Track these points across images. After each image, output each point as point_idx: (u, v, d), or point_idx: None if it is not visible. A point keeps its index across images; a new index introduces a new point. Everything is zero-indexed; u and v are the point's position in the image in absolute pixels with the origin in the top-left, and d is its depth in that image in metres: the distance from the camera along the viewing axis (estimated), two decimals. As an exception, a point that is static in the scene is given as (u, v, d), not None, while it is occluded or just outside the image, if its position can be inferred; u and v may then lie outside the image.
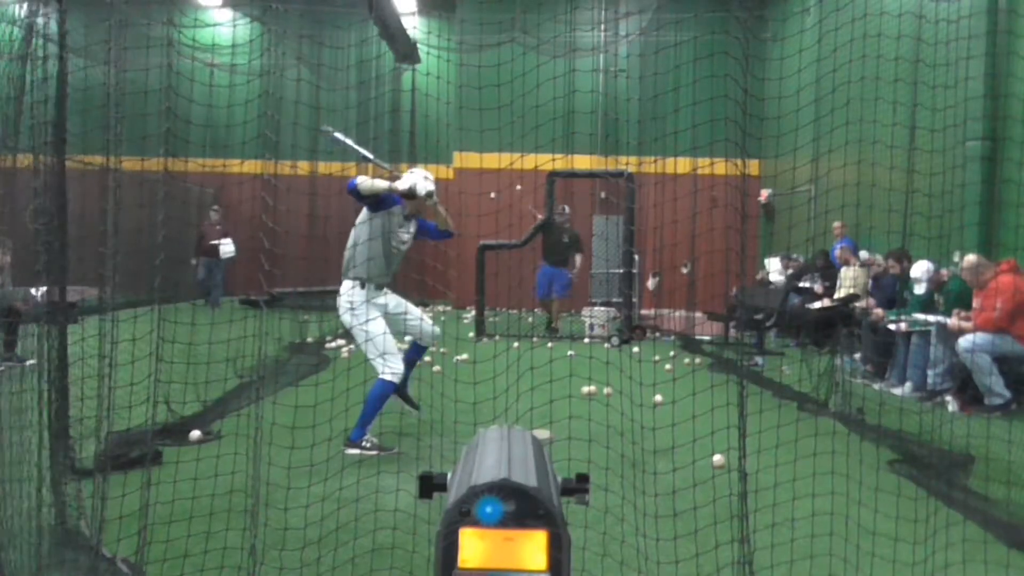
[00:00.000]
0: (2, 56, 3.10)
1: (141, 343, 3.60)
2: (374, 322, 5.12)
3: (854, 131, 4.89)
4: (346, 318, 5.16)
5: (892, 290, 8.95)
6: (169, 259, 3.55)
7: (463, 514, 0.98)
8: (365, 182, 5.00)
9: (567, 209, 12.79)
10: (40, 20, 3.17)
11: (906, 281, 8.37)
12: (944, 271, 8.05)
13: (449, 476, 1.18)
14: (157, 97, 3.71)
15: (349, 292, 5.18)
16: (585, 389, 6.26)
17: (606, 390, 6.13)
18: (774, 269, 12.94)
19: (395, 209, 5.27)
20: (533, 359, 4.35)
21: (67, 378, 3.45)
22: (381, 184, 5.05)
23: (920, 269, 8.09)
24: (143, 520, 3.10)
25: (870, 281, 9.79)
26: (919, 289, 8.09)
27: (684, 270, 13.56)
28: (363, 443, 5.06)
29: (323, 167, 13.27)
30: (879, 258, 9.70)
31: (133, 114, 3.86)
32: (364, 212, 5.23)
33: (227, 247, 15.33)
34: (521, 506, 0.98)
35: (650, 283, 14.22)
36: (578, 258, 12.79)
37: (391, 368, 5.07)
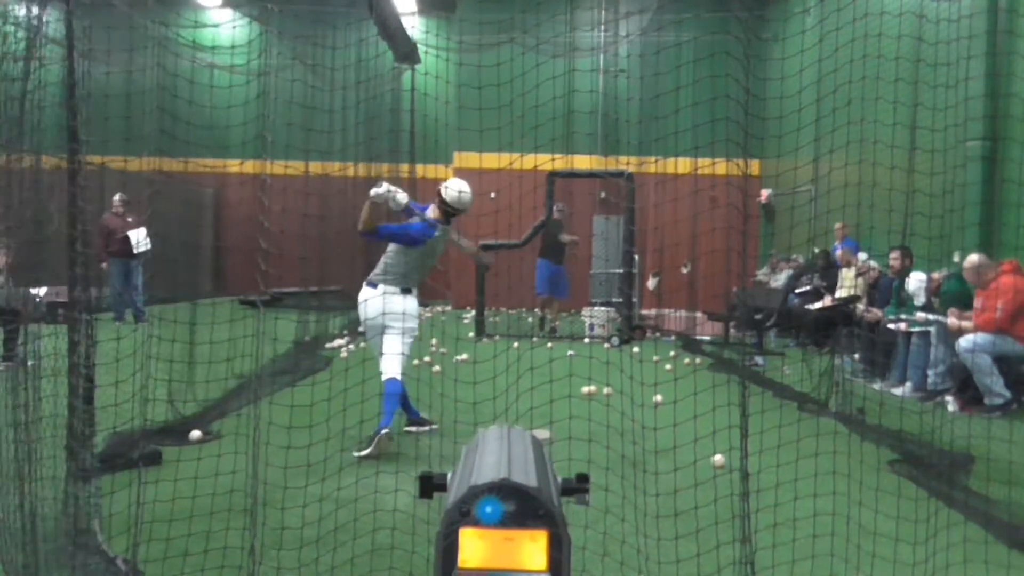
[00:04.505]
0: (8, 56, 3.08)
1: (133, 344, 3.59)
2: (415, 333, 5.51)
3: (855, 131, 4.89)
4: (395, 320, 5.33)
5: (891, 292, 8.93)
6: (166, 257, 3.54)
7: (463, 514, 0.97)
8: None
9: (564, 208, 12.78)
10: (46, 21, 3.16)
11: (904, 281, 8.35)
12: (935, 274, 8.03)
13: (449, 476, 1.18)
14: (142, 97, 3.68)
15: (404, 300, 5.41)
16: (585, 389, 6.25)
17: (606, 390, 6.12)
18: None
19: (430, 238, 5.43)
20: (533, 359, 4.34)
21: (93, 377, 3.43)
22: (365, 214, 5.20)
23: (914, 283, 8.06)
24: (138, 519, 3.09)
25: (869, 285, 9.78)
26: (917, 302, 8.07)
27: (684, 270, 13.56)
28: (383, 432, 5.11)
29: (320, 167, 13.15)
30: (873, 264, 9.66)
31: (127, 114, 3.84)
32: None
33: (138, 237, 12.00)
34: (521, 506, 0.97)
35: (650, 283, 14.21)
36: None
37: (403, 369, 5.38)
